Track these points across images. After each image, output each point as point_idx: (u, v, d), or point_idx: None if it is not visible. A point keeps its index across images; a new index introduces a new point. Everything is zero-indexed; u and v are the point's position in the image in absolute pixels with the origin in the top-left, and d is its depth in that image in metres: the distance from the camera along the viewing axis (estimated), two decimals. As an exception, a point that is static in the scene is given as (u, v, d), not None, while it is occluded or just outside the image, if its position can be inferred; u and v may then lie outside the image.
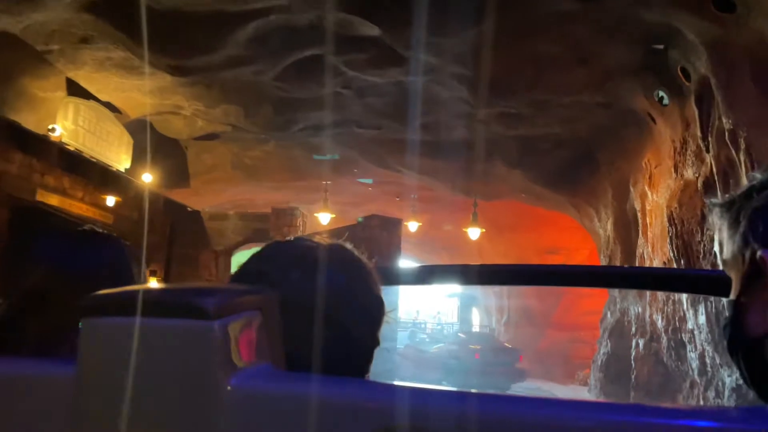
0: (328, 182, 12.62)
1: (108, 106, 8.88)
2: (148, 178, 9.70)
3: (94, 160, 8.51)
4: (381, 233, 9.50)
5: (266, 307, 0.65)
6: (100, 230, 1.10)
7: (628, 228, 9.58)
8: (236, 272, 0.81)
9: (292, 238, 0.84)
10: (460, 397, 0.55)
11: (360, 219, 10.70)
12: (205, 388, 0.57)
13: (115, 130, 8.91)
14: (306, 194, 13.44)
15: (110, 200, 8.97)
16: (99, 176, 8.69)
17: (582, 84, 7.69)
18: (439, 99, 8.66)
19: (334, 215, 12.71)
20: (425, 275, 1.36)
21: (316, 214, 12.61)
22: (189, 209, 11.48)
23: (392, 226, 9.77)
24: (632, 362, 8.89)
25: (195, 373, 0.58)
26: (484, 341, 13.50)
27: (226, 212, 12.27)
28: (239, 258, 8.56)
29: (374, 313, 0.80)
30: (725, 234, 0.73)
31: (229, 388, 0.56)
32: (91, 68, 7.78)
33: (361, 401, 0.55)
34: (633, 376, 8.76)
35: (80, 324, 0.61)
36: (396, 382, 0.60)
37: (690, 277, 1.39)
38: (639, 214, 9.01)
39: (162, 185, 10.88)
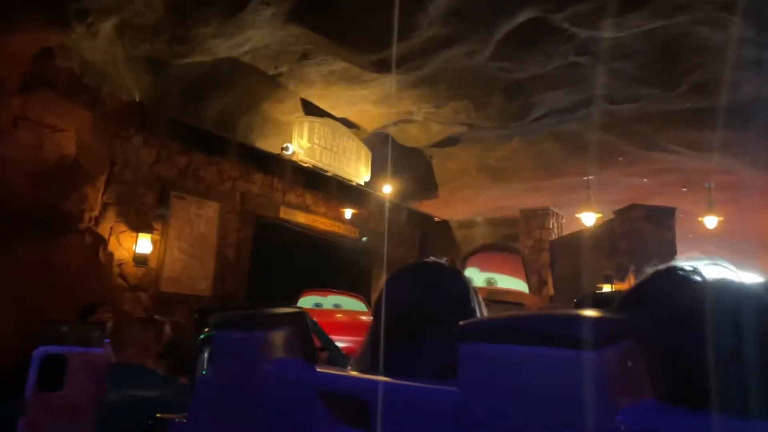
0: (590, 177, 11.01)
1: (344, 122, 9.07)
2: (388, 189, 9.63)
3: (333, 176, 8.71)
4: (646, 227, 7.63)
5: (644, 334, 0.63)
6: (444, 263, 1.14)
7: None
8: (626, 295, 0.80)
9: (679, 264, 0.78)
10: None
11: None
12: (591, 422, 0.56)
13: (351, 144, 9.04)
14: (565, 194, 11.97)
15: (354, 214, 9.11)
16: (339, 191, 8.90)
17: None
18: (710, 46, 6.62)
19: (600, 215, 11.00)
20: None
21: (578, 215, 11.09)
22: (437, 219, 11.17)
23: (663, 217, 7.79)
24: None
25: (577, 405, 0.57)
26: None
27: (473, 219, 11.64)
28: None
29: None
30: None
31: (620, 425, 0.55)
32: (320, 85, 7.97)
33: None
34: None
35: (460, 347, 0.67)
36: None
37: None
38: None
39: (409, 197, 10.79)
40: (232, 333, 1.04)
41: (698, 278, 0.76)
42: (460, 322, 0.69)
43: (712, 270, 0.77)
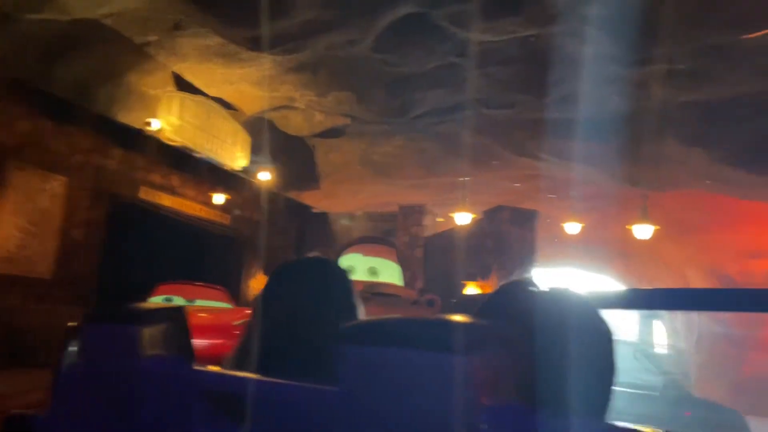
0: (467, 178, 11.34)
1: (221, 102, 8.63)
2: (265, 177, 9.30)
3: (206, 158, 8.25)
4: (510, 228, 7.96)
5: (511, 343, 0.71)
6: (325, 258, 1.14)
7: None
8: (482, 306, 0.86)
9: (526, 278, 0.87)
10: None
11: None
12: (456, 421, 0.60)
13: (227, 126, 8.61)
14: (445, 193, 12.26)
15: (226, 200, 8.68)
16: (211, 175, 8.44)
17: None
18: (580, 59, 6.97)
19: (474, 215, 11.35)
20: (638, 299, 1.44)
21: (453, 215, 11.38)
22: (315, 210, 10.98)
23: (526, 219, 8.17)
24: None
25: (446, 405, 0.62)
26: None
27: (353, 213, 11.61)
28: (346, 259, 7.63)
29: (608, 347, 0.80)
30: None
31: (479, 425, 0.61)
32: (194, 60, 7.49)
33: None
34: None
35: (341, 349, 0.70)
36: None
37: None
38: None
39: (289, 186, 10.51)
40: (104, 326, 1.00)
41: (537, 291, 0.82)
42: (342, 325, 0.72)
43: (551, 283, 0.83)
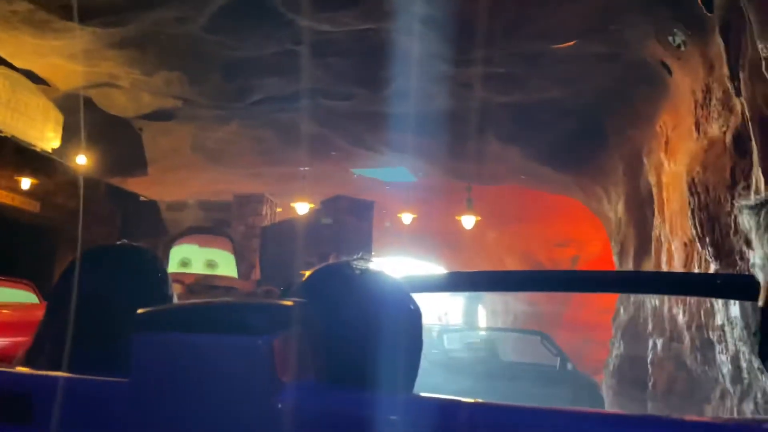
0: (306, 168, 11.36)
1: (30, 76, 7.70)
2: (82, 160, 8.49)
3: (10, 137, 7.31)
4: (348, 218, 8.17)
5: (310, 322, 0.72)
6: (136, 244, 1.10)
7: (642, 207, 8.14)
8: (287, 288, 0.92)
9: (343, 260, 0.89)
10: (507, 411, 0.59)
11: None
12: (254, 402, 0.61)
13: (36, 102, 7.72)
14: (285, 183, 12.16)
15: (36, 185, 7.78)
16: (18, 156, 7.51)
17: (578, 27, 6.29)
18: (411, 56, 7.31)
19: (313, 205, 11.43)
20: (451, 283, 1.52)
21: (293, 204, 11.35)
22: (142, 198, 10.29)
23: (363, 209, 8.44)
24: (649, 366, 7.46)
25: (243, 387, 0.62)
26: None
27: (185, 201, 11.07)
28: (179, 251, 7.30)
29: (416, 326, 0.86)
30: (755, 236, 0.76)
31: (277, 404, 0.61)
32: (-4, 26, 6.59)
33: (408, 416, 0.59)
34: (650, 383, 7.32)
35: (133, 338, 0.67)
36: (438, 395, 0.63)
37: (713, 282, 1.37)
38: (654, 190, 7.59)
39: (111, 171, 9.69)
40: None
41: (351, 273, 0.85)
42: (138, 311, 0.69)
43: (367, 265, 0.87)
